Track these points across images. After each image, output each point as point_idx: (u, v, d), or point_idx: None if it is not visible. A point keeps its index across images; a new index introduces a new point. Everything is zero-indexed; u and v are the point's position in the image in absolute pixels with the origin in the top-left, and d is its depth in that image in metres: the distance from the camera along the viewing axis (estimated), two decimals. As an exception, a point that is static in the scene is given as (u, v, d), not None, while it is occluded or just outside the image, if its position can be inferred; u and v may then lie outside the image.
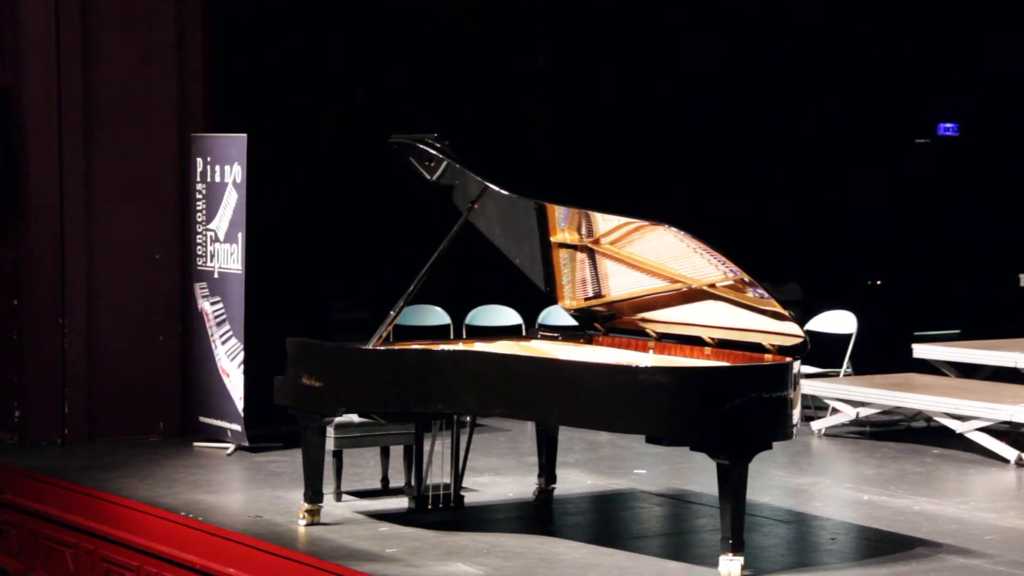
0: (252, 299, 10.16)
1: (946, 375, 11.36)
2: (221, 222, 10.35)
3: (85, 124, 10.54)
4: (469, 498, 8.50)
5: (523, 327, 11.26)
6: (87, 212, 10.56)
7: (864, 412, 10.73)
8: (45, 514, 9.16)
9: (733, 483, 6.98)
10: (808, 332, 7.49)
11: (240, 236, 10.18)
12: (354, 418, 8.64)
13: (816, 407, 11.28)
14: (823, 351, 10.95)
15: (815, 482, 9.39)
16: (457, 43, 13.14)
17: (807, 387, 10.57)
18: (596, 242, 8.03)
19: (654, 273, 7.85)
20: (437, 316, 11.40)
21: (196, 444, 10.40)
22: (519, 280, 8.63)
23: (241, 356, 10.14)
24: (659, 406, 6.97)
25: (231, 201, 10.26)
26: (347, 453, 8.78)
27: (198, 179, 10.56)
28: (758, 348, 7.52)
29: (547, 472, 8.74)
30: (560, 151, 13.55)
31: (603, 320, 8.45)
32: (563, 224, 8.11)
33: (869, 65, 14.75)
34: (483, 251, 8.50)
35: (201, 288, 10.52)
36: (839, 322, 11.51)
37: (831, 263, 14.41)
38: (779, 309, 7.31)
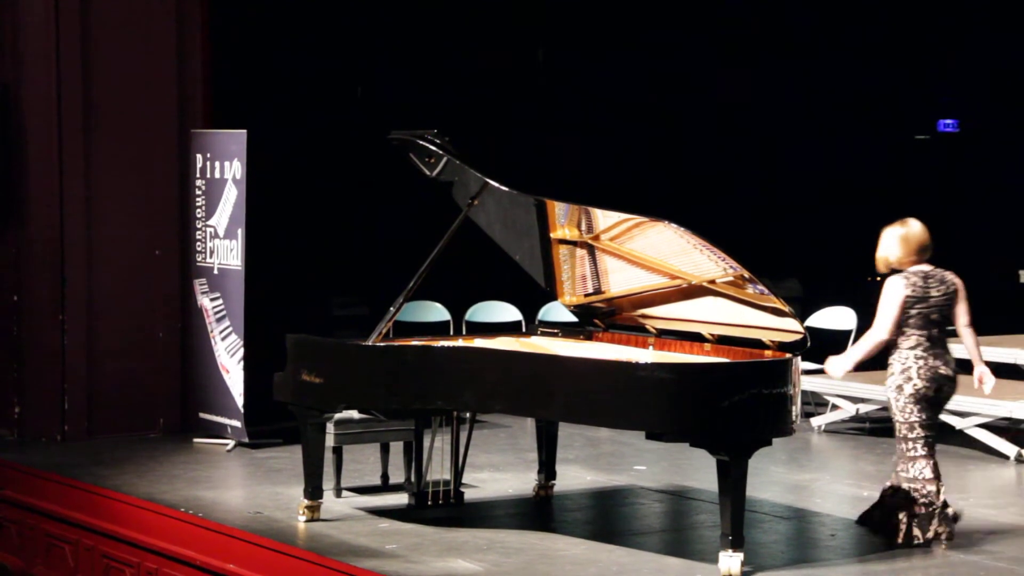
0: (252, 295, 10.16)
1: (946, 371, 11.35)
2: (221, 218, 10.35)
3: (85, 121, 10.54)
4: (469, 494, 8.51)
5: (523, 323, 11.27)
6: (87, 209, 10.55)
7: (864, 408, 10.73)
8: (45, 510, 9.16)
9: (733, 479, 6.98)
10: (808, 328, 7.50)
11: (240, 232, 10.18)
12: (354, 414, 8.65)
13: (816, 403, 11.29)
14: (823, 347, 10.93)
15: (815, 478, 9.40)
16: (457, 40, 13.14)
17: (807, 383, 10.57)
18: (596, 238, 8.03)
19: (654, 269, 7.85)
20: (437, 312, 11.40)
21: (196, 440, 10.40)
22: (519, 276, 8.63)
23: (241, 352, 10.14)
24: (659, 402, 6.97)
25: (231, 197, 10.26)
26: (347, 449, 8.78)
27: (198, 175, 10.56)
28: (758, 344, 7.52)
29: (547, 468, 8.74)
30: (559, 147, 13.55)
31: (603, 316, 8.45)
32: (563, 220, 8.11)
33: (869, 61, 14.75)
34: (483, 247, 8.51)
35: (201, 284, 10.52)
36: (839, 318, 11.51)
37: (831, 259, 14.41)
38: (779, 305, 7.31)
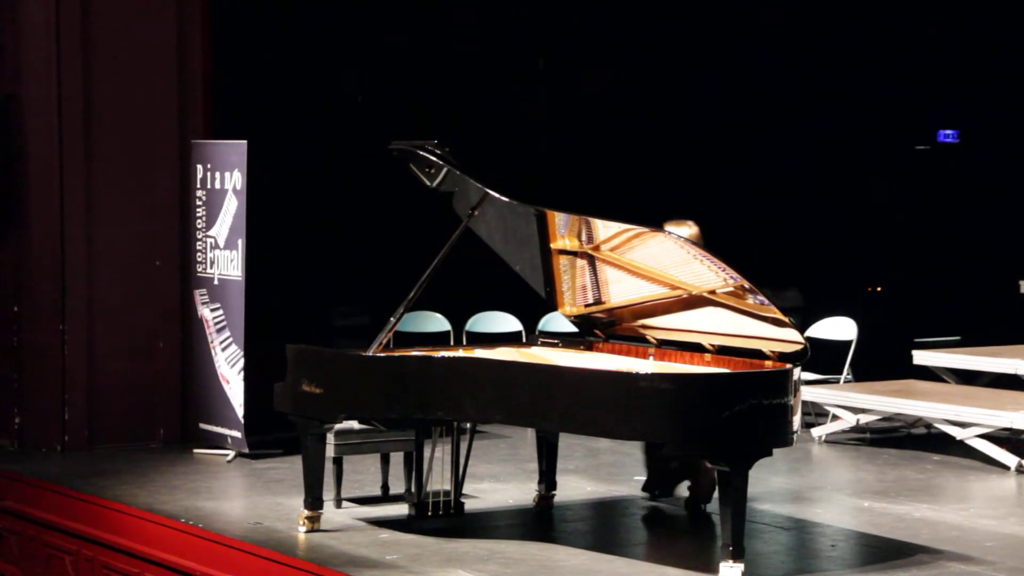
0: (252, 306, 10.15)
1: (946, 382, 11.36)
2: (221, 229, 10.36)
3: (85, 129, 10.55)
4: (469, 505, 8.50)
5: (523, 333, 11.26)
6: (87, 218, 10.56)
7: (864, 419, 10.73)
8: (45, 521, 9.16)
9: (733, 490, 6.98)
10: (808, 338, 7.50)
11: (240, 243, 10.18)
12: (354, 425, 8.64)
13: (816, 413, 11.29)
14: (823, 357, 10.95)
15: (815, 489, 9.39)
16: (458, 47, 13.14)
17: (807, 393, 10.57)
18: (596, 248, 8.03)
19: (654, 280, 7.85)
20: (437, 322, 11.40)
21: (196, 451, 10.40)
22: (519, 286, 8.63)
23: (241, 363, 10.14)
24: (659, 413, 6.97)
25: (231, 208, 10.27)
26: (347, 460, 8.78)
27: (198, 186, 10.57)
28: (758, 355, 7.52)
29: (547, 479, 8.74)
30: (560, 154, 13.55)
31: (603, 327, 8.45)
32: (563, 231, 8.11)
33: (869, 70, 14.75)
34: (484, 258, 8.51)
35: (201, 295, 10.52)
36: (839, 328, 11.51)
37: (831, 269, 14.41)
38: (779, 315, 7.31)
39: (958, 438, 10.15)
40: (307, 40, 12.55)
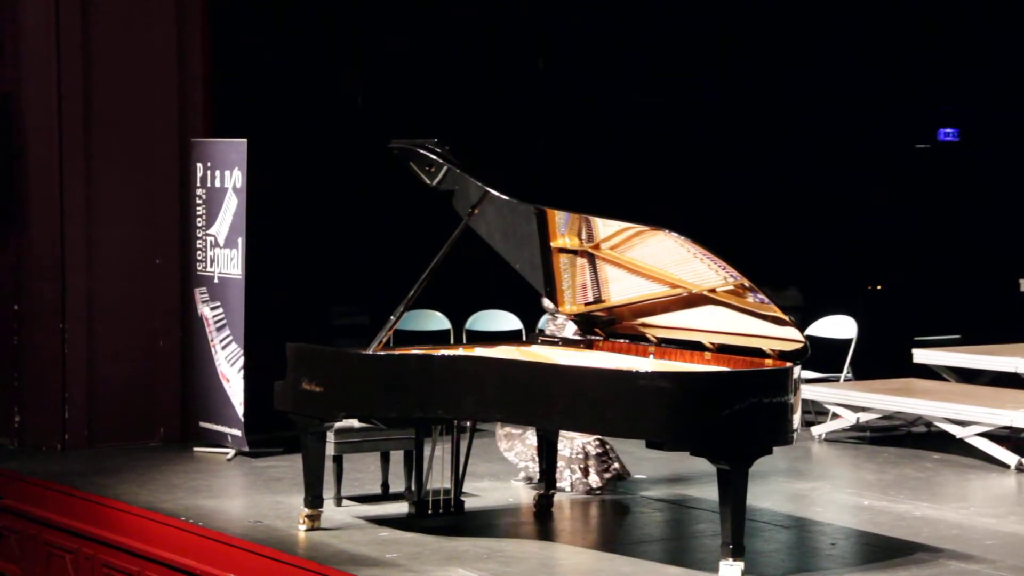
0: (252, 304, 10.16)
1: (946, 380, 11.36)
2: (221, 227, 10.36)
3: (85, 128, 10.55)
4: (469, 503, 8.50)
5: (523, 332, 11.26)
6: (87, 217, 10.56)
7: (864, 417, 10.73)
8: (45, 519, 9.16)
9: (733, 488, 6.98)
10: (808, 337, 7.49)
11: (240, 241, 10.18)
12: (354, 423, 8.64)
13: (816, 412, 11.29)
14: (823, 356, 10.94)
15: (815, 487, 9.39)
16: (458, 47, 13.15)
17: (807, 392, 10.57)
18: (596, 247, 8.03)
19: (654, 278, 7.85)
20: (437, 321, 11.40)
21: (196, 449, 10.40)
22: (519, 285, 8.63)
23: (241, 361, 10.14)
24: (659, 411, 6.97)
25: (231, 206, 10.27)
26: (347, 458, 8.78)
27: (198, 184, 10.57)
28: (758, 353, 7.52)
29: (547, 477, 8.73)
30: (560, 154, 13.55)
31: (603, 325, 8.45)
32: (563, 229, 8.11)
33: (869, 69, 14.76)
34: (484, 256, 8.51)
35: (201, 293, 10.52)
36: (839, 327, 11.51)
37: (831, 268, 14.41)
38: (779, 314, 7.31)
39: (958, 436, 10.15)
40: (307, 40, 12.55)
